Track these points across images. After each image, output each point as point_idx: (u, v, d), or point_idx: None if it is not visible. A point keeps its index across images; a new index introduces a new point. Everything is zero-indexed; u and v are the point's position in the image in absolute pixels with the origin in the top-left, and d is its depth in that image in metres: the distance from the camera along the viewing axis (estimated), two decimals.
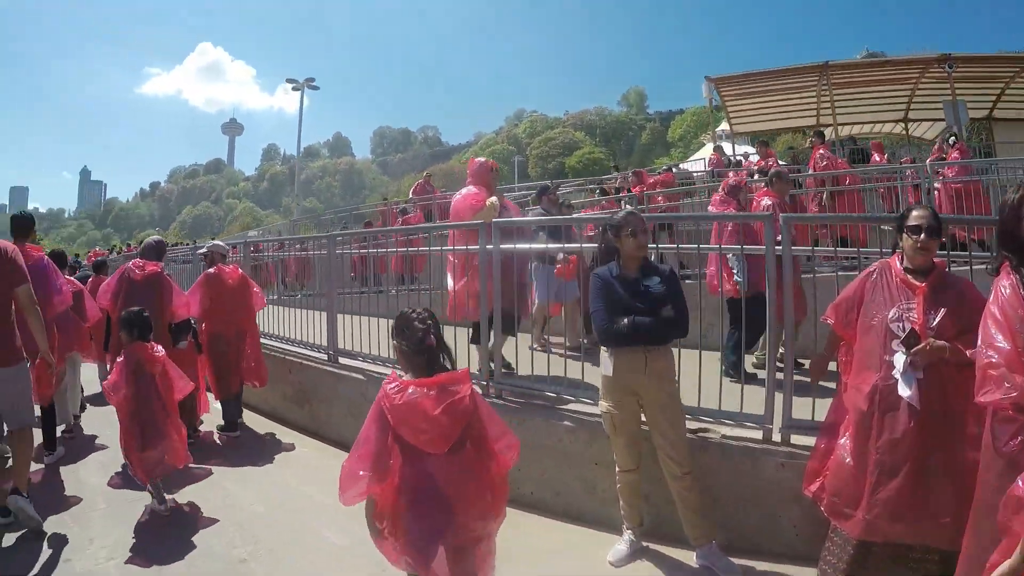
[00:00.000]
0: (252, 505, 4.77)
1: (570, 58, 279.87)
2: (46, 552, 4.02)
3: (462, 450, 2.60)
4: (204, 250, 7.32)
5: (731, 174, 12.68)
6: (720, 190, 6.73)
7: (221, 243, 7.65)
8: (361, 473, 2.55)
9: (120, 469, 5.22)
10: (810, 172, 10.68)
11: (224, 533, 4.29)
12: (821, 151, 10.98)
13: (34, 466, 5.26)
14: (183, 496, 4.90)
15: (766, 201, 6.04)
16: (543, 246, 5.21)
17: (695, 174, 17.86)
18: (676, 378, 3.70)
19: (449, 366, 2.74)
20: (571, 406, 4.52)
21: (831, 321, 3.33)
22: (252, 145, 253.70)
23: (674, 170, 18.39)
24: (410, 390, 2.57)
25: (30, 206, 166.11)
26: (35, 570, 3.82)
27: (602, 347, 3.70)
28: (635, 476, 3.71)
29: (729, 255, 5.46)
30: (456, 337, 4.92)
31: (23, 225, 5.47)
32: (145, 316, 4.71)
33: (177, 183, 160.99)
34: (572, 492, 4.33)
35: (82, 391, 7.17)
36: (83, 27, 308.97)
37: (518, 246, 5.05)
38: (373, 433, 2.60)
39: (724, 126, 23.13)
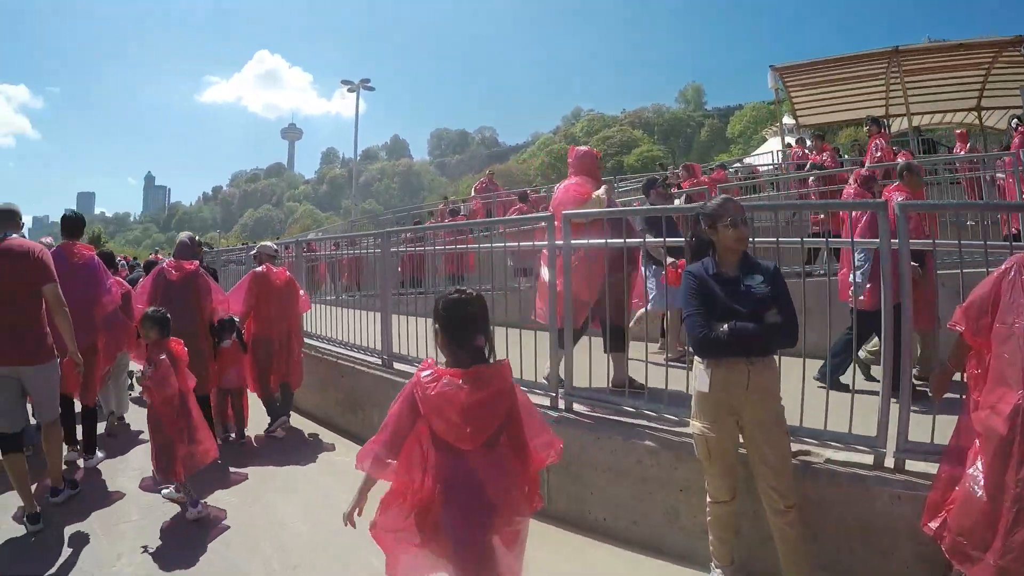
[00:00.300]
0: (294, 522, 4.43)
1: (626, 55, 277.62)
2: (71, 566, 3.79)
3: (497, 445, 2.49)
4: (255, 251, 7.34)
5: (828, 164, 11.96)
6: (852, 182, 6.34)
7: (270, 243, 7.52)
8: (388, 461, 2.51)
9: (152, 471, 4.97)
10: (867, 164, 9.96)
11: (261, 553, 3.95)
12: (876, 141, 10.35)
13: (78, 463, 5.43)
14: (224, 504, 4.69)
15: (899, 198, 5.23)
16: (620, 241, 4.61)
17: (762, 168, 17.13)
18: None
19: (491, 358, 2.58)
20: (654, 422, 4.01)
21: (960, 328, 2.83)
22: (311, 149, 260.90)
23: (735, 167, 17.67)
24: (444, 380, 2.44)
25: (96, 210, 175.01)
26: None
27: (696, 358, 3.21)
28: (729, 508, 3.20)
29: (857, 252, 4.74)
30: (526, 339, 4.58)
31: (73, 225, 5.57)
32: (167, 315, 4.71)
33: (239, 187, 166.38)
34: (652, 521, 3.80)
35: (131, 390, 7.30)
36: (144, 39, 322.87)
37: (591, 241, 4.54)
38: (395, 415, 2.54)
39: (788, 120, 22.28)
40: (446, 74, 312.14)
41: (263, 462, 5.60)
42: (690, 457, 3.40)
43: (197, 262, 6.18)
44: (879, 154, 10.18)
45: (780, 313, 3.00)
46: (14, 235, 4.42)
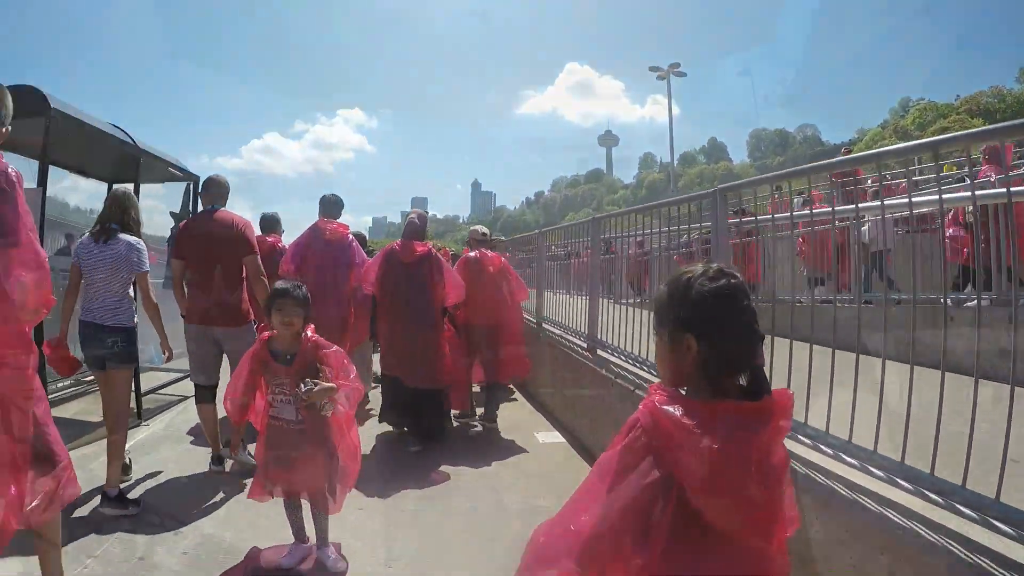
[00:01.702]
0: None
1: (954, 34, 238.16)
2: None
3: None
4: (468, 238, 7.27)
5: None
6: None
7: (481, 227, 7.08)
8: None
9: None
10: None
11: None
12: None
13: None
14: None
15: None
16: None
17: None
18: None
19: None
20: None
21: None
22: (628, 155, 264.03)
23: None
24: (732, 421, 1.19)
25: (429, 213, 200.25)
26: None
27: None
28: None
29: None
30: None
31: (328, 204, 6.01)
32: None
33: (559, 192, 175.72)
34: None
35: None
36: (462, 63, 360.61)
37: None
38: (628, 495, 1.22)
39: None
40: (762, 71, 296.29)
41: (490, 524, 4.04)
42: None
43: (429, 244, 5.91)
44: None
45: None
46: (222, 208, 4.75)
